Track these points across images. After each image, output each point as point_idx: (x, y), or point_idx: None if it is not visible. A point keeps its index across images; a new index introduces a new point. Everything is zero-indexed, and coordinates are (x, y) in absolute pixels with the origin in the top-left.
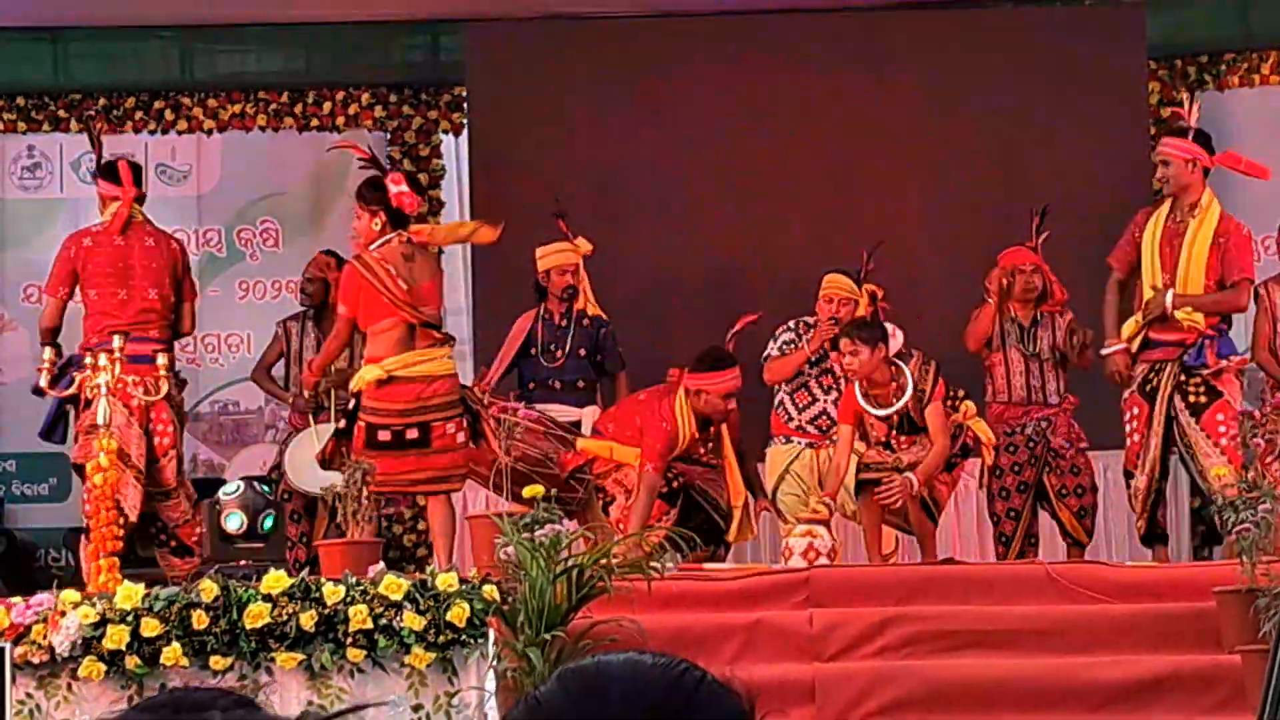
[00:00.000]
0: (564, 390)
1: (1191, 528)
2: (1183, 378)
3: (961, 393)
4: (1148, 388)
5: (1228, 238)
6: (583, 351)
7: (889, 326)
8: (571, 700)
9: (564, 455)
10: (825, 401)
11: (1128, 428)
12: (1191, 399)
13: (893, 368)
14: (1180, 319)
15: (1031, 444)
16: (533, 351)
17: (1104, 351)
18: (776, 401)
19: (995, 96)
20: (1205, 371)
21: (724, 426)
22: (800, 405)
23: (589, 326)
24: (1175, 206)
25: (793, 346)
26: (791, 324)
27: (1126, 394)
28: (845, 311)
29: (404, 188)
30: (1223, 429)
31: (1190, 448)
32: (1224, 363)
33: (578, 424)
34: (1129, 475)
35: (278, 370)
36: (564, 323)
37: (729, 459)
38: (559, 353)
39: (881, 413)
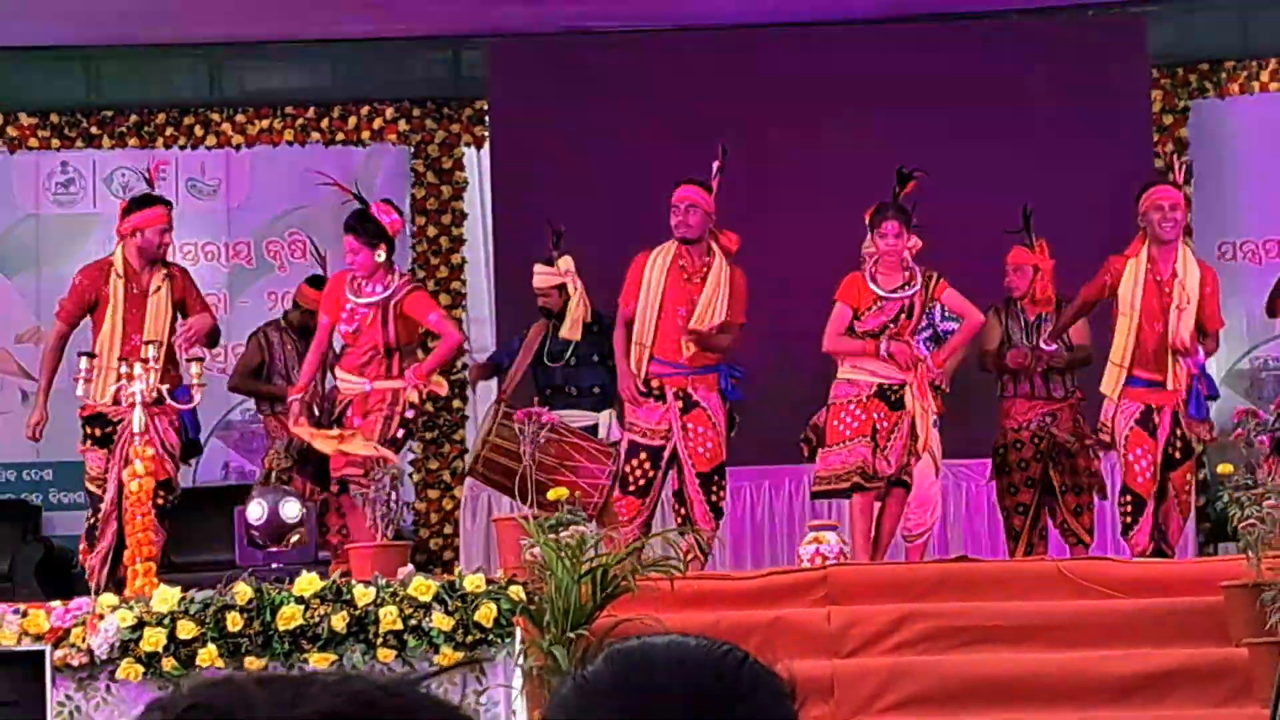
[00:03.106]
0: (580, 395)
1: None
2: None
3: None
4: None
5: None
6: (595, 357)
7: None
8: (617, 679)
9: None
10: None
11: None
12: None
13: (906, 268)
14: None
15: (1037, 440)
16: (546, 360)
17: None
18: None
19: (1000, 105)
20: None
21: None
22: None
23: (598, 332)
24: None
25: None
26: None
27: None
28: None
29: (394, 216)
30: None
31: None
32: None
33: (594, 428)
34: None
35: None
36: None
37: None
38: (573, 360)
39: (888, 294)
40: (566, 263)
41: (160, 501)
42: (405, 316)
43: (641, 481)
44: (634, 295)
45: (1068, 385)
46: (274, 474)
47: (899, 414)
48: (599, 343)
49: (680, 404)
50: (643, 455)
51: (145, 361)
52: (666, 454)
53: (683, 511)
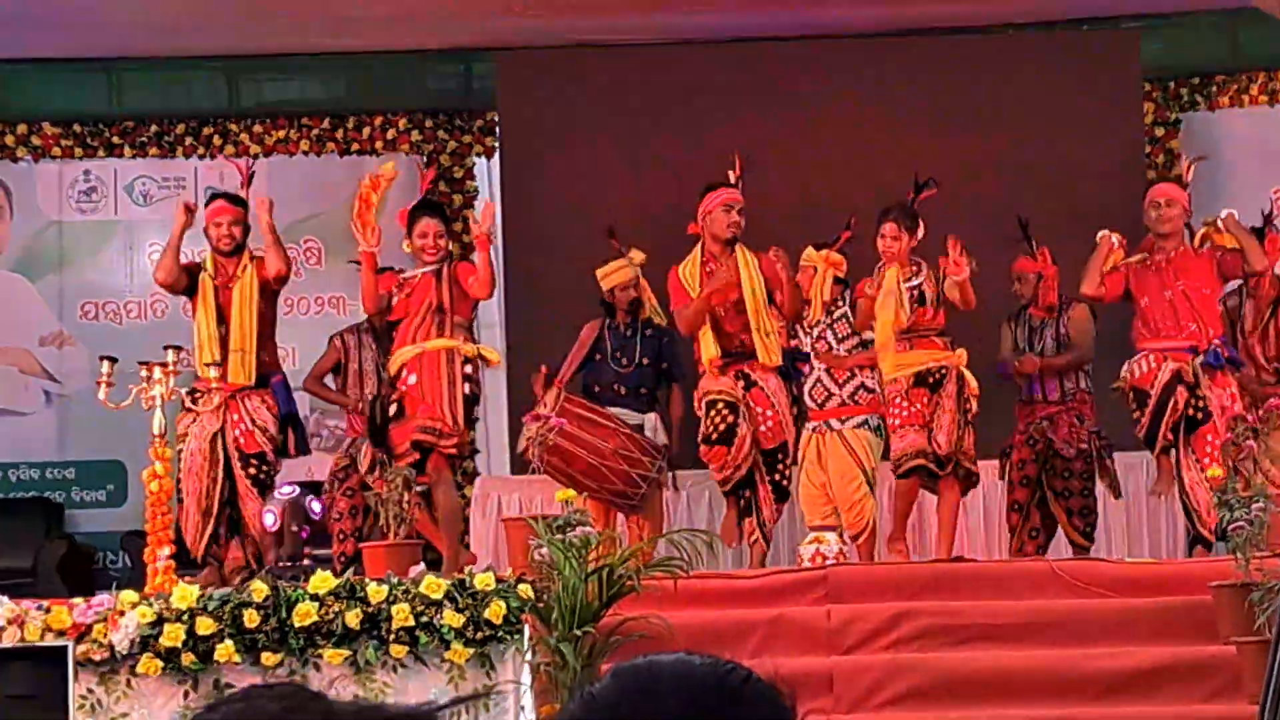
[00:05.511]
0: (628, 396)
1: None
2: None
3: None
4: None
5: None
6: (646, 360)
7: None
8: (625, 696)
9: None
10: (861, 376)
11: None
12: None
13: (914, 263)
14: None
15: (1033, 441)
16: (598, 358)
17: None
18: (811, 384)
19: (997, 117)
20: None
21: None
22: (840, 380)
23: (652, 336)
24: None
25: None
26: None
27: None
28: (806, 278)
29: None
30: None
31: None
32: None
33: (640, 428)
34: None
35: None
36: (629, 333)
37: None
38: (625, 361)
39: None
40: (637, 254)
41: (253, 472)
42: (456, 281)
43: (722, 427)
44: (686, 298)
45: (1065, 388)
46: (333, 475)
47: (939, 394)
48: (650, 346)
49: (741, 383)
50: (720, 405)
51: (165, 365)
52: (742, 407)
53: (746, 494)
